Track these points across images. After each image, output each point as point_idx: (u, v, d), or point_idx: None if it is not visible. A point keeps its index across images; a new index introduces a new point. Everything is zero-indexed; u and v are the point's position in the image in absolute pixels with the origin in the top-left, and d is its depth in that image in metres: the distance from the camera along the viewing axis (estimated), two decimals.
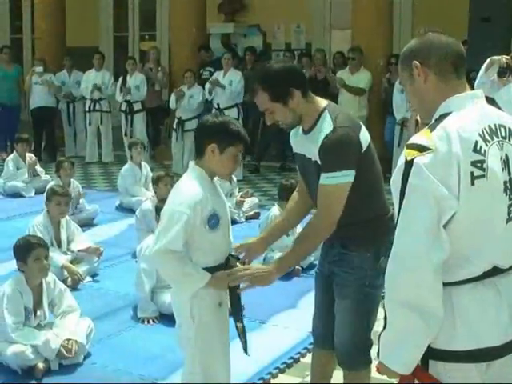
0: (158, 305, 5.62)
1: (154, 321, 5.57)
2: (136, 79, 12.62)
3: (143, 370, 4.75)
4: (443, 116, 2.47)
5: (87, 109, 13.16)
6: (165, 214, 3.46)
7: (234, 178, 9.28)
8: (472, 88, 2.66)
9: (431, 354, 2.45)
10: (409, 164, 2.38)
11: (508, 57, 6.38)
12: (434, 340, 2.43)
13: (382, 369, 2.52)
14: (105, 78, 13.26)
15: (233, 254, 3.68)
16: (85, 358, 4.89)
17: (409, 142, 2.44)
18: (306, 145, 3.55)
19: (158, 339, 5.23)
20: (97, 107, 13.08)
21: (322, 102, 3.58)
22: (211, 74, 12.79)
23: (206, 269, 3.48)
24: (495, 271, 2.47)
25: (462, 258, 2.41)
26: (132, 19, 16.93)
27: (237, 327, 3.61)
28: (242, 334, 3.61)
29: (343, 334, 3.60)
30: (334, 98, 11.84)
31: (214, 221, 3.46)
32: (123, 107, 12.66)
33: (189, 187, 3.46)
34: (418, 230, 2.35)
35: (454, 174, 2.34)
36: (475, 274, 2.44)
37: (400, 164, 2.43)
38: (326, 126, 3.41)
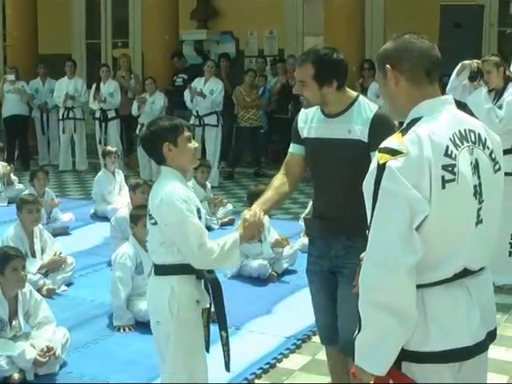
0: (134, 312, 5.63)
1: (129, 328, 5.58)
2: (110, 86, 12.60)
3: (120, 377, 4.75)
4: (415, 120, 2.50)
5: (60, 117, 13.11)
6: (172, 222, 3.52)
7: (209, 185, 9.30)
8: (444, 93, 2.70)
9: (404, 355, 2.47)
10: (381, 167, 2.40)
11: (479, 61, 6.47)
12: (407, 342, 2.45)
13: (357, 373, 2.53)
14: (78, 86, 13.22)
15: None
16: (61, 367, 4.89)
17: (381, 145, 2.46)
18: (337, 127, 3.71)
19: (135, 347, 5.24)
20: (70, 115, 13.04)
21: (354, 93, 3.87)
22: (184, 80, 12.82)
23: (180, 265, 3.58)
24: (466, 273, 2.51)
25: (434, 261, 2.44)
26: (104, 26, 16.88)
27: (221, 336, 3.68)
28: (226, 344, 3.66)
29: (355, 323, 3.64)
30: None
31: (198, 215, 3.59)
32: (97, 115, 12.63)
33: (174, 187, 3.55)
34: (392, 233, 2.38)
35: (425, 177, 2.37)
36: (447, 275, 2.47)
37: (372, 168, 2.45)
38: (367, 107, 3.71)
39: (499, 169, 2.61)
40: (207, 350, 3.78)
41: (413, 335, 2.45)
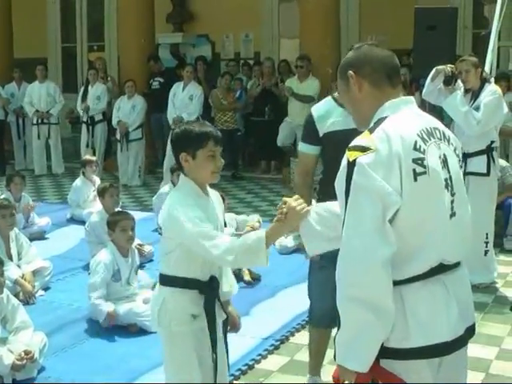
0: None
1: (113, 315, 5.53)
2: (97, 89, 12.62)
3: (98, 381, 4.73)
4: (381, 120, 2.58)
5: (35, 121, 13.04)
6: (185, 237, 3.28)
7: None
8: (412, 95, 2.78)
9: (383, 352, 2.49)
10: (352, 164, 2.46)
11: (453, 66, 6.53)
12: (385, 339, 2.48)
13: (339, 371, 2.54)
14: (50, 90, 13.16)
15: None
16: (39, 372, 4.86)
17: (350, 144, 2.53)
18: None
19: (113, 350, 5.24)
20: (44, 120, 12.98)
21: None
22: (161, 84, 12.82)
23: (194, 281, 3.39)
24: (442, 268, 2.55)
25: (408, 255, 2.49)
26: (80, 30, 16.81)
27: (212, 357, 3.46)
28: (214, 365, 3.46)
29: None
30: (283, 106, 11.97)
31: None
32: (84, 118, 12.61)
33: (179, 202, 3.33)
34: (365, 227, 2.42)
35: (395, 171, 2.44)
36: (423, 270, 2.50)
37: (343, 166, 2.51)
38: None
39: (461, 166, 2.71)
40: (228, 365, 3.64)
41: (392, 332, 2.47)
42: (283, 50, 14.67)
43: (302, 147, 4.41)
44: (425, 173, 2.48)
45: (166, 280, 3.43)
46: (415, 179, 2.45)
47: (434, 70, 6.53)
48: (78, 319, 5.85)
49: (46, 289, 6.61)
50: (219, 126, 12.14)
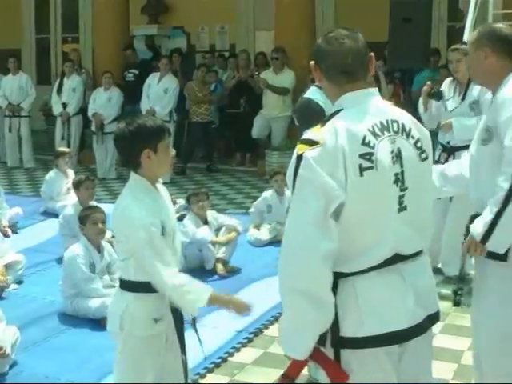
0: (84, 310, 5.60)
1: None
2: (73, 81, 12.55)
3: (71, 375, 4.71)
4: (335, 113, 2.62)
5: (6, 114, 12.91)
6: (134, 246, 3.26)
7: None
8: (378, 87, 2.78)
9: (341, 342, 2.55)
10: (299, 158, 2.51)
11: (429, 83, 6.51)
12: (324, 329, 2.52)
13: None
14: (22, 82, 13.03)
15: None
16: (11, 367, 4.81)
17: (301, 137, 2.57)
18: None
19: (86, 344, 5.21)
20: (15, 113, 12.86)
21: None
22: (135, 76, 12.75)
23: (139, 283, 3.33)
24: (398, 258, 2.58)
25: (358, 248, 2.53)
26: (54, 21, 16.68)
27: (182, 359, 3.47)
28: (185, 367, 3.47)
29: None
30: (258, 98, 11.96)
31: (162, 231, 3.30)
32: (59, 110, 12.51)
33: (132, 206, 3.27)
34: (307, 221, 2.46)
35: (340, 166, 2.47)
36: (376, 262, 2.54)
37: (293, 158, 2.56)
38: None
39: (426, 158, 2.69)
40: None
41: (347, 322, 2.53)
42: (259, 42, 14.65)
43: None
44: (372, 167, 2.50)
45: (128, 286, 3.38)
46: (361, 174, 2.48)
47: (420, 98, 6.48)
48: (51, 313, 5.81)
49: (18, 282, 6.55)
50: (194, 118, 12.13)
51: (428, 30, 13.41)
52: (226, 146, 13.36)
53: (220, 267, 6.78)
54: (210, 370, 4.79)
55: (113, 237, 7.09)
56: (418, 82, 11.41)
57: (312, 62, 2.69)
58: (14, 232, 8.32)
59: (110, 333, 3.54)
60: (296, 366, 2.58)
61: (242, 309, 3.38)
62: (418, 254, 2.66)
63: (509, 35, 3.54)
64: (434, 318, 2.71)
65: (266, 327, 5.51)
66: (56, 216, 8.33)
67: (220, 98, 12.73)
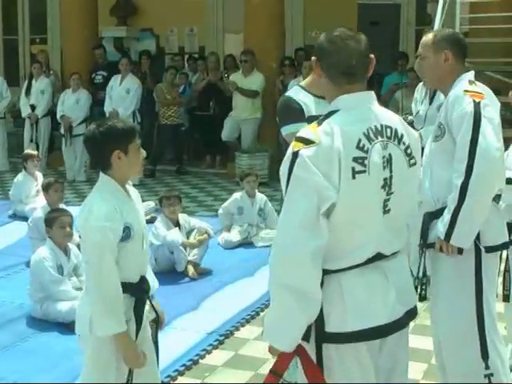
0: (54, 314, 5.56)
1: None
2: (41, 83, 12.44)
3: (41, 379, 4.67)
4: (332, 113, 2.64)
5: None
6: (86, 246, 3.31)
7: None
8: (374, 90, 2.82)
9: (324, 337, 2.60)
10: (295, 155, 2.54)
11: (405, 115, 6.52)
12: (328, 324, 2.58)
13: (269, 349, 2.65)
14: None
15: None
16: None
17: (297, 134, 2.60)
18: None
19: (56, 348, 5.17)
20: None
21: None
22: (104, 77, 12.68)
23: (125, 284, 3.32)
24: (379, 257, 2.64)
25: (345, 247, 2.58)
26: (22, 22, 16.54)
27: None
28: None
29: None
30: (227, 100, 11.96)
31: (126, 232, 3.30)
32: (27, 112, 12.39)
33: (98, 205, 3.28)
34: (298, 219, 2.51)
35: (334, 166, 2.51)
36: (360, 261, 2.60)
37: (287, 155, 2.59)
38: None
39: (414, 163, 2.73)
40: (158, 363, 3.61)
41: (331, 317, 2.58)
42: (228, 44, 14.65)
43: (292, 128, 3.92)
44: (364, 171, 2.54)
45: None
46: (353, 177, 2.52)
47: None
48: (19, 317, 5.76)
49: None
50: (163, 120, 12.10)
51: (396, 34, 13.53)
52: (195, 148, 13.34)
53: (191, 269, 6.77)
54: (181, 373, 4.78)
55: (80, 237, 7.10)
56: (386, 85, 11.52)
57: (313, 58, 2.72)
58: None
59: (78, 336, 3.51)
60: (282, 362, 2.62)
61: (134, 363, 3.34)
62: (396, 252, 2.72)
63: (462, 39, 3.83)
64: (412, 314, 2.78)
65: (237, 329, 5.51)
66: (25, 219, 8.26)
67: (189, 100, 12.72)
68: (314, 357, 2.63)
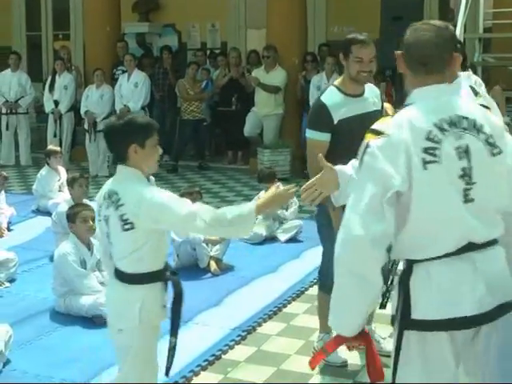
0: (77, 308, 5.60)
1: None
2: (64, 79, 12.52)
3: (64, 373, 4.71)
4: (407, 105, 2.75)
5: (4, 111, 12.84)
6: (157, 204, 3.34)
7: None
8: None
9: (408, 324, 2.66)
10: (366, 146, 2.68)
11: None
12: (415, 311, 2.63)
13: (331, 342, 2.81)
14: (22, 80, 12.98)
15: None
16: (4, 365, 4.80)
17: (371, 127, 2.73)
18: (365, 102, 4.44)
19: (79, 342, 5.20)
20: (13, 110, 12.79)
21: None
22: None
23: (151, 274, 3.45)
24: (472, 246, 2.66)
25: (428, 237, 2.64)
26: (45, 18, 16.64)
27: (170, 341, 3.51)
28: (172, 349, 3.51)
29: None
30: (249, 96, 11.96)
31: None
32: (51, 108, 12.49)
33: (140, 188, 3.39)
34: (364, 203, 2.61)
35: (401, 157, 2.59)
36: (449, 250, 2.63)
37: (362, 145, 2.72)
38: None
39: (499, 152, 2.72)
40: (167, 373, 3.62)
41: (420, 304, 2.64)
42: (250, 40, 14.64)
43: (315, 135, 4.42)
44: (435, 161, 2.59)
45: (140, 278, 3.46)
46: (424, 167, 2.58)
47: None
48: (43, 311, 5.80)
49: (11, 280, 6.54)
50: (185, 115, 12.12)
51: None
52: (217, 143, 13.36)
53: (213, 265, 6.78)
54: (204, 368, 4.80)
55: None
56: None
57: (398, 52, 2.80)
58: (9, 231, 8.31)
59: (119, 331, 3.51)
60: (334, 342, 2.77)
61: (288, 196, 3.54)
62: (491, 243, 2.71)
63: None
64: (504, 308, 2.71)
65: (260, 325, 5.51)
66: (48, 214, 8.32)
67: (211, 95, 12.73)
68: (394, 344, 2.70)
